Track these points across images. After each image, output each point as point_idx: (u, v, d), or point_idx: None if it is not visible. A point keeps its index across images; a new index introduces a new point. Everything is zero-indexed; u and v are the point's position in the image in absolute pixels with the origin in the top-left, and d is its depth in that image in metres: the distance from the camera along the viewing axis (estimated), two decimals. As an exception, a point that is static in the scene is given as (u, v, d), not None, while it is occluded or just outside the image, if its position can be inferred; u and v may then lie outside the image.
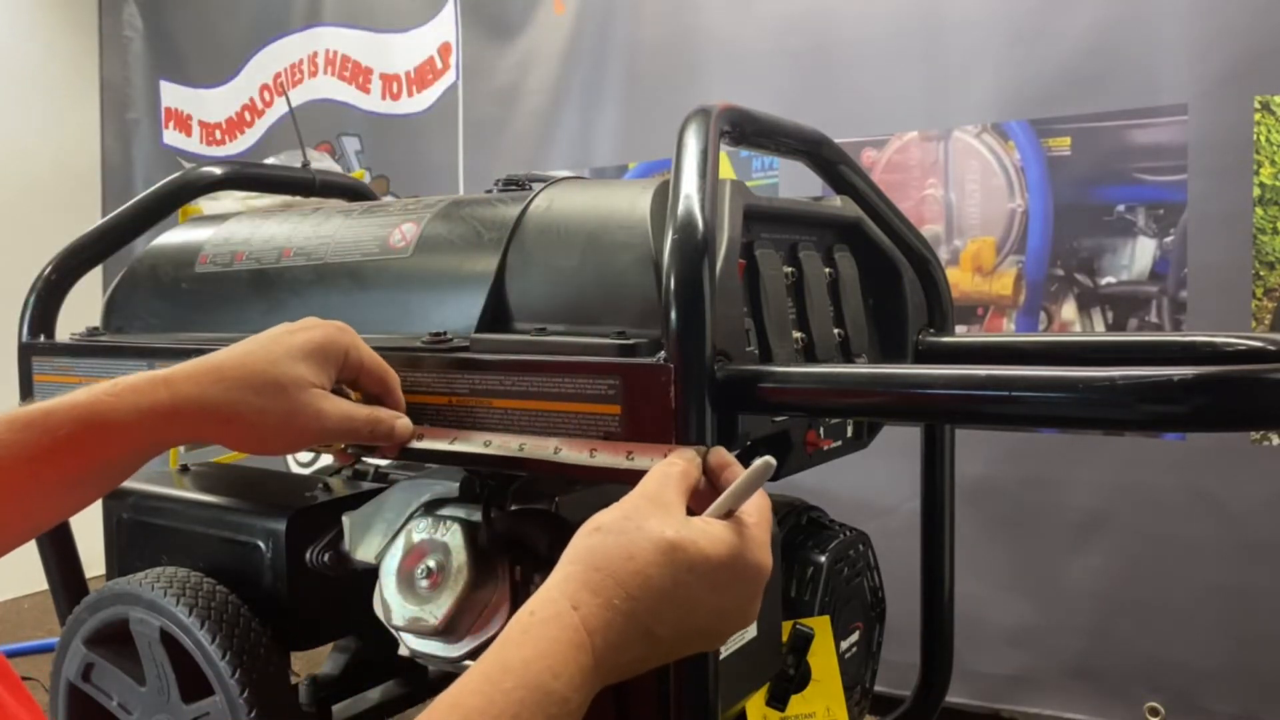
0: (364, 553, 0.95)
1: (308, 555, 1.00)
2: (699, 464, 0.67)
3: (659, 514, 0.59)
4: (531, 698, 0.51)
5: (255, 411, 0.73)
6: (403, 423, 0.81)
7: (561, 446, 0.76)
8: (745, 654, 0.85)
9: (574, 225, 0.89)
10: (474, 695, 0.51)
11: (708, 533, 0.59)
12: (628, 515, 0.59)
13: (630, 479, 0.68)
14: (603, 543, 0.57)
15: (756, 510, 0.63)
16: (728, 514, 0.62)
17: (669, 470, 0.64)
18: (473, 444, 0.80)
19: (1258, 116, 1.94)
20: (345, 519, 0.97)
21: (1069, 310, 2.17)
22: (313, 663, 1.25)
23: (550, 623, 0.54)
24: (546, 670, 0.52)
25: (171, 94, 3.70)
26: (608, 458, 0.74)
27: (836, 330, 1.02)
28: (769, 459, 0.62)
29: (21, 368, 1.18)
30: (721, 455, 0.69)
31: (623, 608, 0.55)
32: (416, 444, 0.82)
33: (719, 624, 0.60)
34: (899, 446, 1.30)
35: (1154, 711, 2.07)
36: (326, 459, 1.27)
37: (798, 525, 1.01)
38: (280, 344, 0.76)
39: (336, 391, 0.79)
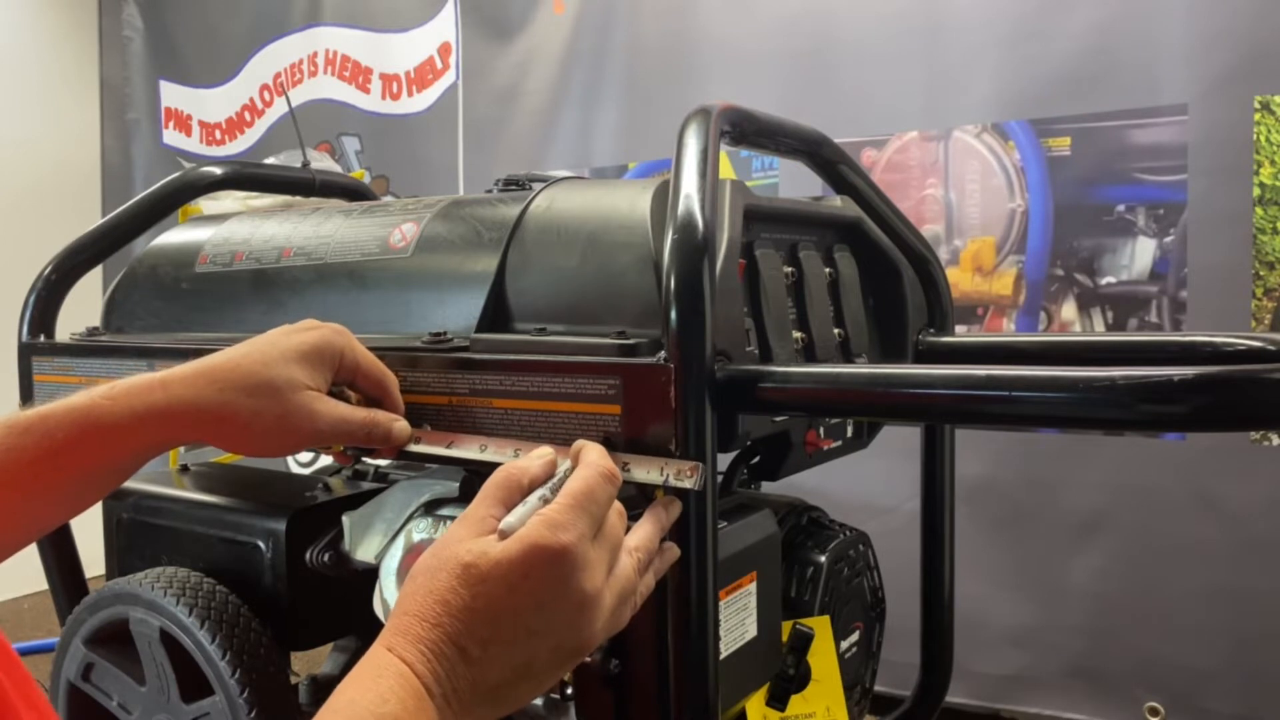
0: (364, 553, 0.95)
1: (308, 555, 1.00)
2: (545, 462, 0.66)
3: (461, 536, 0.60)
4: None
5: (249, 413, 0.73)
6: (400, 425, 0.81)
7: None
8: (745, 654, 0.85)
9: (574, 225, 0.89)
10: None
11: (497, 540, 0.59)
12: (436, 552, 0.60)
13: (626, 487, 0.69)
14: (409, 589, 0.59)
15: (567, 494, 0.61)
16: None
17: (493, 479, 0.63)
18: (469, 450, 0.81)
19: (1258, 116, 1.94)
20: (345, 519, 0.97)
21: (1069, 310, 2.17)
22: (313, 663, 1.25)
23: (368, 663, 0.56)
24: (375, 700, 0.53)
25: (171, 94, 3.70)
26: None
27: (836, 330, 1.02)
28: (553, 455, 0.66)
29: (21, 368, 1.18)
30: (578, 446, 0.68)
31: (429, 636, 0.56)
32: (413, 447, 0.82)
33: (541, 622, 0.58)
34: (899, 446, 1.30)
35: (1154, 711, 2.07)
36: (326, 459, 1.27)
37: (798, 525, 1.01)
38: (275, 346, 0.76)
39: (336, 394, 0.79)
